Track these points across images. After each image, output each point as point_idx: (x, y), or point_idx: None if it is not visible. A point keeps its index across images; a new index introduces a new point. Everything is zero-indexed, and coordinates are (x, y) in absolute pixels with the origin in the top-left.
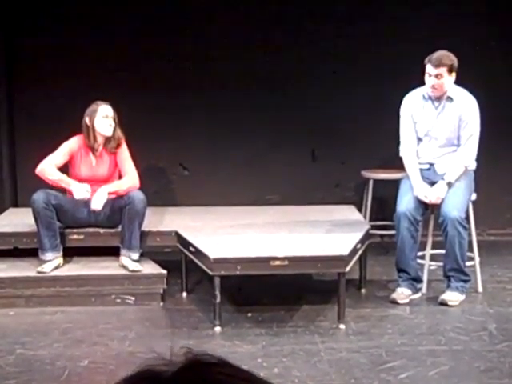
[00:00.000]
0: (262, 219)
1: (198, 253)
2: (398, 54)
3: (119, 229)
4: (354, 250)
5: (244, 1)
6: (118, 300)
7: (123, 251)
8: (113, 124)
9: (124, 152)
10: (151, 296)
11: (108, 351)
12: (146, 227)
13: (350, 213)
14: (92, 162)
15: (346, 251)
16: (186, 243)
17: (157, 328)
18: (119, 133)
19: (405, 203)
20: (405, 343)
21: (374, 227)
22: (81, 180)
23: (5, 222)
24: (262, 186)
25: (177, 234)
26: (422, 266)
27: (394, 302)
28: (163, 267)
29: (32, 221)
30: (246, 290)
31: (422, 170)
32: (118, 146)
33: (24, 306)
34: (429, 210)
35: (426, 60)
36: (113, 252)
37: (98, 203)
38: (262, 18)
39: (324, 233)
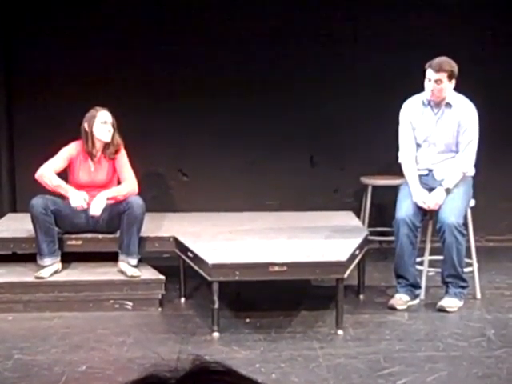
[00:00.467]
0: (260, 225)
1: (197, 258)
2: (398, 61)
3: (118, 234)
4: (353, 256)
5: (244, 4)
6: (117, 305)
7: (121, 257)
8: (111, 130)
9: (123, 158)
10: (149, 301)
11: (106, 356)
12: (144, 233)
13: (348, 219)
14: (91, 168)
15: (344, 257)
16: (184, 249)
17: (155, 333)
18: (118, 138)
19: (404, 209)
20: (403, 349)
21: (372, 233)
22: (80, 185)
23: (3, 228)
24: (260, 191)
25: (175, 239)
26: (421, 272)
27: (393, 308)
28: (161, 273)
29: (30, 226)
30: (244, 295)
31: (420, 176)
32: (117, 151)
33: (22, 311)
34: (427, 216)
35: (427, 65)
36: (111, 257)
37: (96, 209)
38: (262, 23)
39: (323, 239)
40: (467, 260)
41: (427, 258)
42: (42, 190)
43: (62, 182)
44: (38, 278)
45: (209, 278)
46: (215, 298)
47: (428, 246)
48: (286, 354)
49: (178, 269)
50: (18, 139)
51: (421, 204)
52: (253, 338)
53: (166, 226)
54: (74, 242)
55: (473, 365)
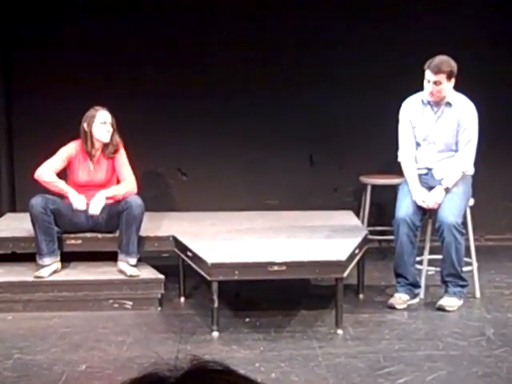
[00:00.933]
0: (259, 224)
1: (196, 258)
2: (398, 59)
3: (117, 234)
4: (352, 256)
5: (244, 4)
6: (116, 305)
7: (121, 256)
8: (110, 130)
9: (122, 157)
10: (149, 301)
11: (105, 356)
12: (143, 232)
13: (348, 218)
14: (90, 167)
15: (343, 256)
16: (183, 248)
17: (154, 333)
18: (117, 138)
19: (404, 209)
20: (402, 348)
21: (372, 232)
22: (79, 185)
23: (2, 227)
24: (260, 191)
25: (174, 239)
26: (420, 271)
27: (392, 308)
28: (161, 272)
29: (30, 226)
30: (243, 295)
31: (420, 175)
32: (116, 151)
33: (22, 310)
34: (427, 215)
35: (426, 65)
36: (110, 257)
37: (95, 208)
38: (262, 23)
39: (322, 238)
40: (467, 259)
41: (427, 257)
42: (41, 189)
43: (60, 182)
44: (37, 277)
45: (208, 278)
46: (215, 297)
47: (427, 245)
48: (285, 353)
49: (178, 268)
50: (17, 138)
51: (420, 203)
52: (252, 338)
53: (165, 226)
54: (73, 242)
55: (472, 364)
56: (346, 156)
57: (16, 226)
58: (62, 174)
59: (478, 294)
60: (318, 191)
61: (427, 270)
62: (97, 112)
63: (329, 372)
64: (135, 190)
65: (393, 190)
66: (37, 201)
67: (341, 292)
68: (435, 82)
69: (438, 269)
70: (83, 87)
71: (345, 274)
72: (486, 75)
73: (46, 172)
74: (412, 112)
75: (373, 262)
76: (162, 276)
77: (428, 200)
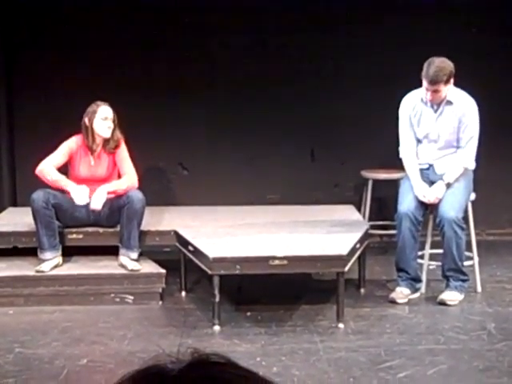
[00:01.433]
0: (261, 219)
1: (197, 252)
2: (399, 54)
3: (118, 228)
4: (353, 250)
5: (244, 1)
6: (117, 299)
7: (122, 250)
8: (111, 126)
9: (123, 152)
10: (150, 295)
11: (107, 350)
12: (145, 227)
13: (349, 213)
14: (91, 162)
15: (345, 251)
16: (185, 242)
17: (156, 327)
18: (118, 134)
19: (406, 203)
20: (404, 342)
21: (373, 227)
22: (80, 180)
23: (4, 222)
24: (261, 185)
25: (176, 233)
26: (421, 265)
27: (393, 302)
28: (162, 266)
29: (31, 220)
30: (245, 289)
31: (421, 169)
32: (117, 147)
33: (23, 305)
34: (428, 210)
35: (423, 73)
36: (112, 251)
37: (97, 203)
38: (262, 18)
39: (323, 232)
40: (468, 254)
41: (428, 251)
42: (42, 184)
43: (62, 177)
44: (38, 271)
45: (209, 272)
46: (216, 291)
47: (429, 240)
48: (286, 347)
49: (179, 262)
50: (18, 133)
51: (421, 198)
52: (254, 332)
53: (166, 220)
54: (74, 236)
55: (473, 358)
56: (347, 151)
57: (17, 220)
58: (64, 169)
59: (479, 289)
60: (319, 186)
61: (428, 265)
62: (98, 107)
63: (330, 366)
64: (136, 184)
65: (394, 185)
66: (38, 195)
67: (342, 286)
68: (433, 91)
69: (439, 263)
70: (84, 82)
71: (346, 269)
72: (486, 69)
73: (48, 167)
74: (411, 110)
75: (374, 257)
76: (163, 270)
77: (429, 195)
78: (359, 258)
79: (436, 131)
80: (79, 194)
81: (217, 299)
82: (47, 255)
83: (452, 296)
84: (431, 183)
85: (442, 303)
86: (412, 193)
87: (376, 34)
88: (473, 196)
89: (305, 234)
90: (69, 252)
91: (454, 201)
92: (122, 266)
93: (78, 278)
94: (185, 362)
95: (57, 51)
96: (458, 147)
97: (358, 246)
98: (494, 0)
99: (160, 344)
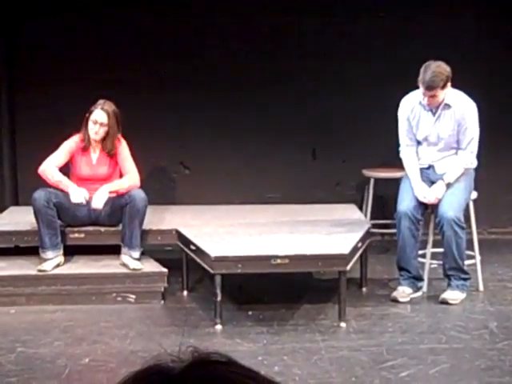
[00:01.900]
0: (262, 218)
1: (199, 251)
2: (399, 53)
3: (120, 227)
4: (355, 249)
5: (245, 1)
6: (119, 298)
7: (124, 250)
8: (98, 131)
9: (124, 151)
10: (152, 294)
11: (109, 349)
12: (146, 226)
13: (350, 211)
14: (92, 161)
15: (346, 250)
16: (186, 241)
17: (157, 326)
18: (114, 140)
19: (406, 202)
20: (405, 341)
21: (374, 226)
22: (81, 179)
23: (6, 221)
24: (262, 184)
25: (177, 232)
26: (423, 264)
27: (395, 301)
28: (164, 265)
29: (33, 219)
30: (246, 288)
31: (421, 169)
32: (113, 151)
33: (25, 304)
34: (429, 209)
35: (419, 79)
36: (113, 250)
37: (98, 202)
38: (262, 18)
39: (325, 231)
40: (470, 252)
41: (429, 250)
42: (44, 183)
43: (63, 178)
44: (40, 271)
45: (211, 271)
46: (218, 290)
47: (430, 239)
48: (288, 346)
49: (181, 262)
50: (19, 132)
51: (421, 199)
52: (255, 331)
53: (168, 219)
54: (76, 235)
55: (475, 357)
56: (348, 150)
57: (19, 219)
58: (66, 168)
59: (481, 288)
60: (320, 185)
61: (430, 264)
62: (94, 110)
63: (332, 365)
64: (138, 183)
65: (395, 184)
66: (40, 194)
67: (344, 285)
68: (430, 96)
69: (441, 262)
70: (86, 82)
71: (348, 268)
72: (487, 68)
73: (49, 167)
74: (410, 112)
75: (376, 256)
76: (165, 269)
77: (429, 195)
78: (361, 256)
79: (435, 134)
80: (76, 194)
81: (218, 298)
82: (49, 254)
83: (454, 295)
84: (431, 183)
85: (444, 302)
86: (411, 192)
87: (376, 34)
88: (474, 195)
89: (306, 233)
90: (70, 251)
91: (454, 201)
92: (124, 265)
93: (80, 277)
94: (186, 362)
95: (58, 51)
96: (458, 149)
97: (359, 244)
98: (494, 0)
99: (162, 343)
